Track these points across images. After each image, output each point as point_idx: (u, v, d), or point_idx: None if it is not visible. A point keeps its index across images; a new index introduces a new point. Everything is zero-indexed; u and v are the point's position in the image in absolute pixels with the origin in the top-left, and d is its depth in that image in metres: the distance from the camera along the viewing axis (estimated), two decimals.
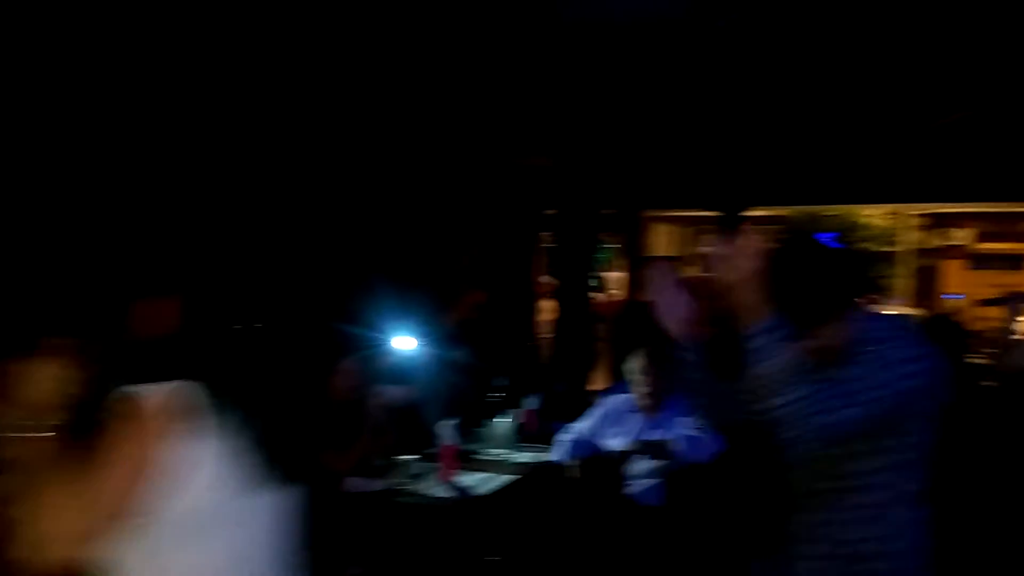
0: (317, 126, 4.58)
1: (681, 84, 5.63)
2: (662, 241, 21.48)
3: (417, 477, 3.20)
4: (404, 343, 3.65)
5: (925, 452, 1.77)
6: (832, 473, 1.70)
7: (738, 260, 1.60)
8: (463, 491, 3.10)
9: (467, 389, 3.85)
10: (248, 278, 1.75)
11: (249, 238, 3.85)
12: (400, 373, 3.71)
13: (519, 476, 3.32)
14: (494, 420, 3.72)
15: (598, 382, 6.31)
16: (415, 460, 3.24)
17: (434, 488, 3.13)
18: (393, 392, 3.60)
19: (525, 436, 3.82)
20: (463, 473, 3.25)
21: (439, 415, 3.38)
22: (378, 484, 3.09)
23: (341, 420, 3.24)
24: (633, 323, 8.16)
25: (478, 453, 3.58)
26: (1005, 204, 14.93)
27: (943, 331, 6.38)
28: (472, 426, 3.79)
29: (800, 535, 1.78)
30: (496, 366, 4.25)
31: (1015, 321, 3.65)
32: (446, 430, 3.20)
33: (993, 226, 18.37)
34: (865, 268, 1.88)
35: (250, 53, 3.75)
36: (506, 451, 3.54)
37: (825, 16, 4.87)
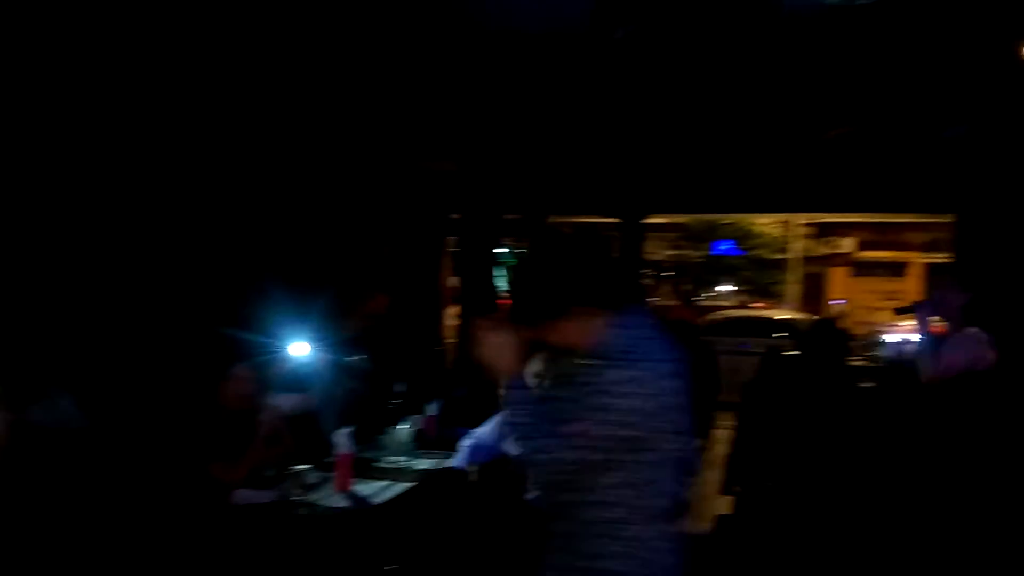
0: (211, 122, 4.41)
1: (584, 94, 5.74)
2: None
3: (312, 487, 3.11)
4: (299, 349, 3.54)
5: (669, 469, 1.76)
6: (571, 486, 1.71)
7: (487, 341, 1.80)
8: (360, 501, 3.03)
9: (365, 396, 3.77)
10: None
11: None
12: (295, 380, 3.60)
13: (418, 484, 3.27)
14: (394, 427, 3.65)
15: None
16: (310, 470, 3.14)
17: (330, 498, 3.04)
18: (288, 400, 3.49)
19: (425, 443, 3.78)
20: (360, 482, 3.17)
21: (335, 423, 3.29)
22: (271, 495, 2.98)
23: (232, 429, 3.11)
24: None
25: (377, 461, 3.51)
26: (885, 215, 16.01)
27: (826, 335, 6.74)
28: (371, 433, 3.71)
29: (551, 545, 1.79)
30: (397, 371, 4.19)
31: (926, 327, 3.85)
32: (342, 438, 3.12)
33: (874, 236, 19.68)
34: (613, 271, 1.89)
35: (135, 45, 3.56)
36: (405, 458, 3.48)
37: (719, 33, 5.07)
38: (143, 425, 2.97)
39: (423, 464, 3.48)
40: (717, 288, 21.23)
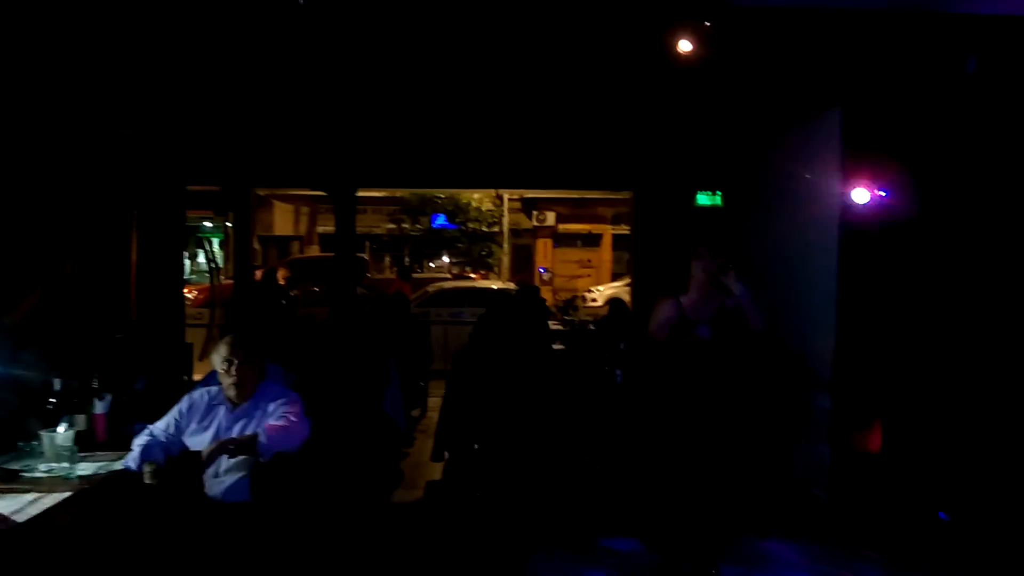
0: None
1: (290, 59, 5.43)
2: (283, 220, 20.86)
3: None
4: None
5: None
6: None
7: None
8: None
9: (8, 399, 3.23)
10: None
11: None
12: None
13: (80, 491, 2.87)
14: (51, 431, 3.16)
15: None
16: None
17: None
18: None
19: (93, 444, 3.34)
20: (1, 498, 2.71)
21: None
22: None
23: None
24: (247, 305, 7.76)
25: (28, 471, 3.02)
26: (580, 191, 17.57)
27: (528, 300, 7.17)
28: (20, 440, 3.20)
29: None
30: (63, 365, 3.64)
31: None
32: None
33: (572, 210, 21.60)
34: None
35: None
36: (64, 465, 3.03)
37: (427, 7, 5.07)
38: None
39: (86, 469, 3.06)
40: (436, 261, 21.83)
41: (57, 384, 3.32)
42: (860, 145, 4.80)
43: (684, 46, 4.32)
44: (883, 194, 4.66)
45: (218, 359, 3.17)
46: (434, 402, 7.33)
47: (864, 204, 4.75)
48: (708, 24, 4.16)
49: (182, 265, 6.29)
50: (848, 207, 4.84)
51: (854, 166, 4.80)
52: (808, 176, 5.17)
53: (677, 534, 3.78)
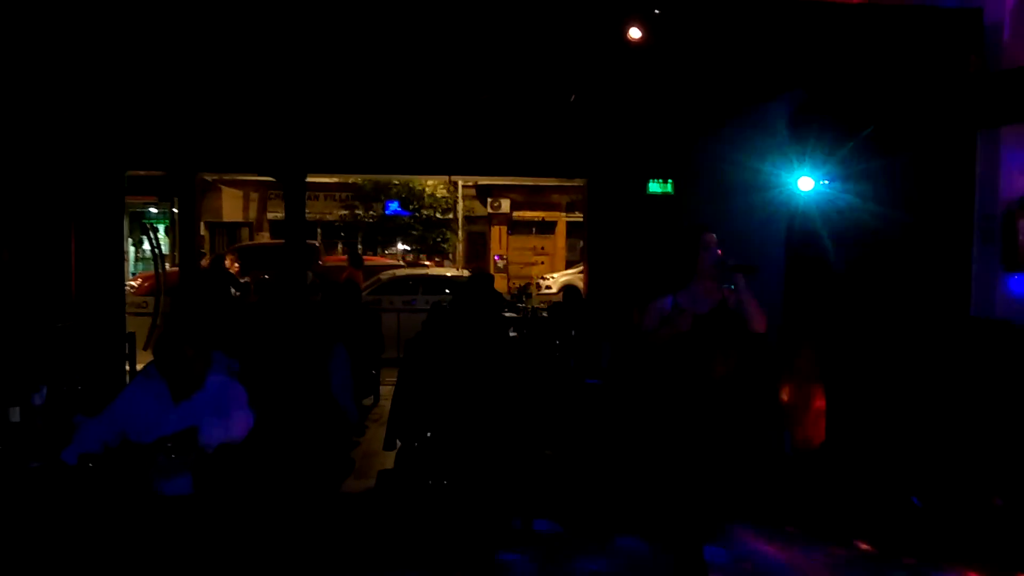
0: None
1: (236, 42, 5.31)
2: (232, 206, 20.43)
3: None
4: None
5: None
6: None
7: None
8: None
9: None
10: None
11: None
12: None
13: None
14: None
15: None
16: None
17: None
18: None
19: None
20: None
21: None
22: None
23: None
24: (194, 293, 7.59)
25: None
26: (534, 179, 17.59)
27: (481, 287, 7.15)
28: None
29: None
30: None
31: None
32: None
33: (527, 197, 21.64)
34: None
35: None
36: None
37: None
38: None
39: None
40: (390, 247, 21.68)
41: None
42: (806, 134, 4.90)
43: (634, 33, 4.35)
44: (827, 183, 4.77)
45: (161, 348, 3.08)
46: (387, 390, 7.27)
47: (809, 192, 4.86)
48: (657, 12, 4.19)
49: (122, 252, 6.11)
50: (794, 195, 4.95)
51: (800, 155, 4.90)
52: (755, 164, 5.26)
53: (685, 527, 3.51)
